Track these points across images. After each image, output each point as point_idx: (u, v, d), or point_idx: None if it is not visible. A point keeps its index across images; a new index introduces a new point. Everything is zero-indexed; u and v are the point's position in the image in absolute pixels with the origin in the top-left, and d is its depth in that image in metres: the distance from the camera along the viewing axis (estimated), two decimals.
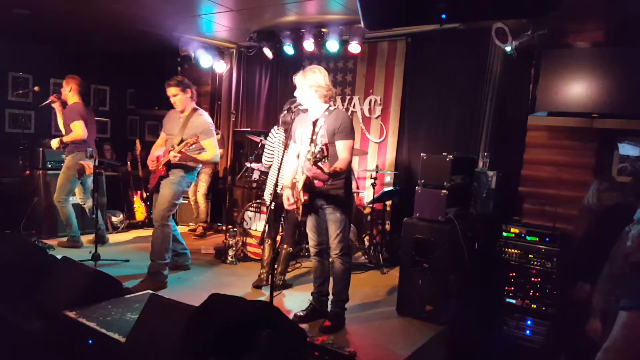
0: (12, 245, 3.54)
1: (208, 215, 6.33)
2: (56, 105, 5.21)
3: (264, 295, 4.03)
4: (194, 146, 3.93)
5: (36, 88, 5.57)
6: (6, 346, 2.60)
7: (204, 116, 4.09)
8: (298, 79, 3.28)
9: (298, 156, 3.41)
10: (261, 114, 6.63)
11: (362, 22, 2.82)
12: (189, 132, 3.98)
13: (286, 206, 3.29)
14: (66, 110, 5.12)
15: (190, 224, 6.43)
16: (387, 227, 5.42)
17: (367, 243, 5.28)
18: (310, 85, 3.21)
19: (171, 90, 4.02)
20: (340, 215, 3.26)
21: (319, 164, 2.82)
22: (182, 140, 3.96)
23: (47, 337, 2.64)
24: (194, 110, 4.11)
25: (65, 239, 5.26)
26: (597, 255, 2.64)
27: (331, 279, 3.51)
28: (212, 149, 4.03)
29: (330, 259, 3.42)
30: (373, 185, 5.11)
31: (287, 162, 3.45)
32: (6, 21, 5.62)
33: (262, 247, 4.53)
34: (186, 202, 6.28)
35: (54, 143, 5.08)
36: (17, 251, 3.38)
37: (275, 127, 4.28)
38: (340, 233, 3.28)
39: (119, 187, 6.45)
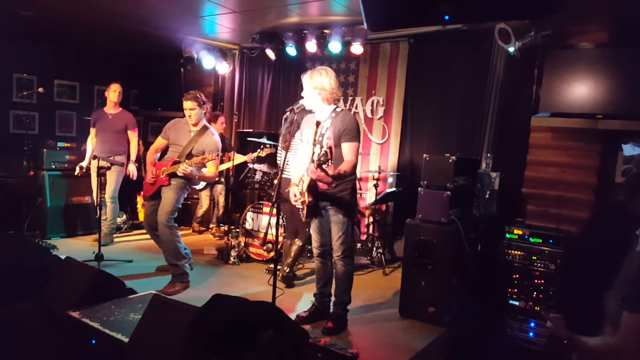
0: (16, 246, 3.54)
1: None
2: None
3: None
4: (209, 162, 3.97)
5: (41, 89, 5.62)
6: (10, 346, 2.61)
7: (216, 137, 4.11)
8: (305, 78, 3.27)
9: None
10: (263, 115, 6.64)
11: (364, 24, 2.81)
12: (198, 147, 4.01)
13: (292, 202, 3.31)
14: (126, 117, 5.45)
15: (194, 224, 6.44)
16: (390, 228, 5.41)
17: (369, 244, 5.27)
18: (314, 87, 3.21)
19: (188, 104, 4.03)
20: (343, 217, 3.26)
21: (323, 166, 2.82)
22: (190, 154, 3.99)
23: (51, 337, 2.65)
24: (206, 127, 4.14)
25: (95, 235, 5.23)
26: (603, 257, 2.63)
27: (334, 281, 3.51)
28: (213, 170, 4.09)
29: (333, 261, 3.42)
30: (375, 186, 5.11)
31: (296, 162, 3.46)
32: (11, 23, 5.65)
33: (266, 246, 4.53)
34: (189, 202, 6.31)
35: (133, 169, 5.48)
36: (21, 251, 3.39)
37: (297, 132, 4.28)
38: (342, 235, 3.27)
39: (122, 187, 6.47)
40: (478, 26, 4.50)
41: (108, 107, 5.47)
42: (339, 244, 3.30)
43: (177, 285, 4.00)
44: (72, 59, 7.08)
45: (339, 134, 3.16)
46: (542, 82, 3.92)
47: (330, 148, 2.83)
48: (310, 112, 3.38)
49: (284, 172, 3.53)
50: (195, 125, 4.09)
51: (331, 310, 3.50)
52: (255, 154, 5.32)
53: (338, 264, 3.36)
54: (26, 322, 2.74)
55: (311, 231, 3.48)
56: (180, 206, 4.12)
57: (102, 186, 4.63)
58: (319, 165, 2.82)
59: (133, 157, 5.48)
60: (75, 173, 5.43)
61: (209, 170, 4.07)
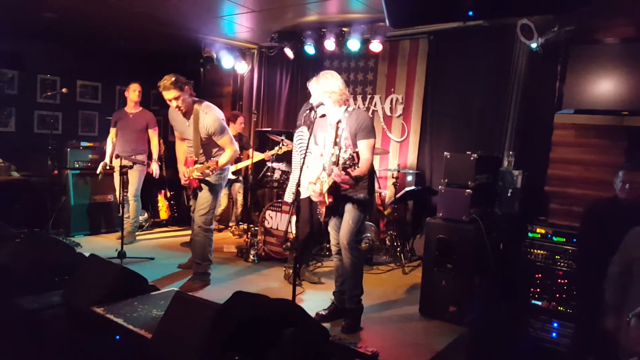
0: (41, 243, 3.63)
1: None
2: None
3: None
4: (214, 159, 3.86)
5: (64, 90, 5.73)
6: (36, 341, 2.67)
7: (214, 110, 3.80)
8: (312, 85, 3.28)
9: (322, 155, 3.42)
10: (282, 114, 6.67)
11: (386, 21, 2.79)
12: (203, 133, 3.85)
13: (314, 199, 3.32)
14: (147, 116, 5.55)
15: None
16: (409, 227, 5.38)
17: (388, 242, 5.25)
18: (324, 91, 3.21)
19: (170, 94, 3.64)
20: (357, 211, 3.24)
21: (348, 170, 2.83)
22: (203, 144, 3.92)
23: (76, 333, 2.70)
24: (199, 105, 3.82)
25: (118, 233, 5.29)
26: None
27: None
28: (230, 147, 3.85)
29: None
30: (395, 184, 5.07)
31: (310, 163, 3.47)
32: (35, 25, 5.78)
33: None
34: None
35: (156, 167, 5.59)
36: (47, 249, 3.47)
37: (302, 127, 4.27)
38: (351, 223, 3.22)
39: (144, 186, 6.57)
40: (499, 22, 4.43)
41: (129, 106, 5.56)
42: (345, 232, 3.24)
43: (197, 283, 4.04)
44: (94, 60, 7.22)
45: (355, 132, 3.17)
46: (566, 78, 3.85)
47: (356, 153, 2.84)
48: (322, 116, 3.38)
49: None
50: (188, 113, 3.83)
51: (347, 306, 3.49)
52: (273, 151, 5.34)
53: (344, 256, 3.30)
54: (52, 317, 2.80)
55: (329, 229, 3.48)
56: (218, 202, 4.02)
57: (124, 185, 4.69)
58: (344, 169, 2.84)
59: (155, 155, 5.55)
60: (97, 172, 5.48)
61: (227, 150, 3.86)
